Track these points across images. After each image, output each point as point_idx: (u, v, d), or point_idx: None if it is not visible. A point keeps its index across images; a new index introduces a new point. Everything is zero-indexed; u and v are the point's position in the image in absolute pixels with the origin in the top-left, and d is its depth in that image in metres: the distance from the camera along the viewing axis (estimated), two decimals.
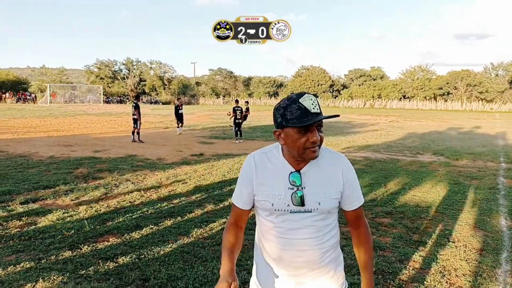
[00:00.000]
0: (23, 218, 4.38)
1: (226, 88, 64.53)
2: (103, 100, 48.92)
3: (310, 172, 1.37)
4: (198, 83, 64.35)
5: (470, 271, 3.28)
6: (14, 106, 35.10)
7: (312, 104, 1.27)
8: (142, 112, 12.64)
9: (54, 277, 2.98)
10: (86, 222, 4.28)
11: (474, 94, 50.62)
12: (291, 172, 1.36)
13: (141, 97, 51.24)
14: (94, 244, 3.68)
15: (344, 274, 1.50)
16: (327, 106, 52.44)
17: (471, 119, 28.21)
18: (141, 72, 60.12)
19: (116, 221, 4.38)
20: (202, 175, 7.06)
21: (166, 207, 4.97)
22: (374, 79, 60.11)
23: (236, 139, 12.85)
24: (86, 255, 3.42)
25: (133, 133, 12.06)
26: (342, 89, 60.07)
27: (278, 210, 1.36)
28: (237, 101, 14.52)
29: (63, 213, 4.61)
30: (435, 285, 3.03)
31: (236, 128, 13.04)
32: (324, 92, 58.44)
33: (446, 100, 51.06)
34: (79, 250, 3.54)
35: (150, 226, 4.20)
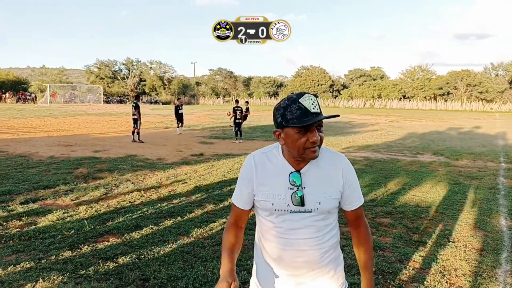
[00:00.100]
0: (23, 218, 4.38)
1: (226, 88, 64.54)
2: (103, 100, 48.92)
3: (310, 172, 1.37)
4: (198, 83, 64.35)
5: (470, 271, 3.28)
6: (14, 106, 35.10)
7: (312, 104, 1.27)
8: (142, 112, 12.65)
9: (54, 277, 2.98)
10: (86, 222, 4.28)
11: (474, 94, 50.62)
12: (291, 172, 1.36)
13: (141, 97, 51.24)
14: (94, 244, 3.68)
15: (344, 274, 1.50)
16: (327, 106, 52.45)
17: (471, 119, 28.21)
18: (141, 72, 60.12)
19: (116, 221, 4.38)
20: (202, 175, 7.06)
21: (166, 207, 4.96)
22: (374, 79, 60.10)
23: (236, 139, 12.85)
24: (86, 255, 3.42)
25: (133, 133, 12.06)
26: (342, 89, 60.07)
27: (278, 210, 1.36)
28: (237, 101, 14.53)
29: (63, 213, 4.61)
30: (435, 285, 3.02)
31: (236, 128, 13.05)
32: (324, 92, 58.44)
33: (446, 100, 51.06)
34: (79, 250, 3.54)
35: (150, 226, 4.20)
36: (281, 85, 65.59)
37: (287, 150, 1.36)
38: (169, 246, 3.68)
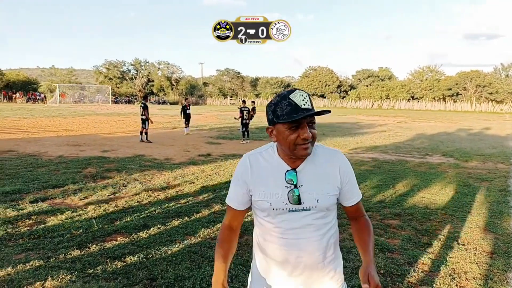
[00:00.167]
0: (32, 217, 4.43)
1: (233, 89, 64.67)
2: (111, 100, 49.35)
3: (306, 170, 1.36)
4: (205, 84, 64.58)
5: (480, 274, 3.23)
6: (24, 106, 35.55)
7: (303, 100, 1.25)
8: (150, 112, 12.73)
9: (63, 276, 3.00)
10: (94, 221, 4.31)
11: (483, 95, 50.04)
12: (287, 171, 1.35)
13: (149, 98, 51.46)
14: (102, 243, 3.70)
15: (343, 276, 1.49)
16: (334, 106, 52.25)
17: (481, 120, 27.87)
18: (149, 72, 60.53)
19: (124, 220, 4.40)
20: (209, 175, 7.07)
21: (173, 207, 4.98)
22: (382, 80, 59.75)
23: (243, 140, 12.85)
24: (94, 254, 3.44)
25: (141, 133, 12.14)
26: (350, 90, 59.83)
27: (277, 209, 1.35)
28: (244, 102, 14.54)
29: (72, 212, 4.65)
30: None
31: (243, 129, 13.05)
32: (331, 92, 58.26)
33: (455, 101, 50.57)
34: (87, 249, 3.56)
35: (158, 226, 4.21)
36: (288, 85, 65.50)
37: (281, 148, 1.35)
38: (177, 246, 3.69)
